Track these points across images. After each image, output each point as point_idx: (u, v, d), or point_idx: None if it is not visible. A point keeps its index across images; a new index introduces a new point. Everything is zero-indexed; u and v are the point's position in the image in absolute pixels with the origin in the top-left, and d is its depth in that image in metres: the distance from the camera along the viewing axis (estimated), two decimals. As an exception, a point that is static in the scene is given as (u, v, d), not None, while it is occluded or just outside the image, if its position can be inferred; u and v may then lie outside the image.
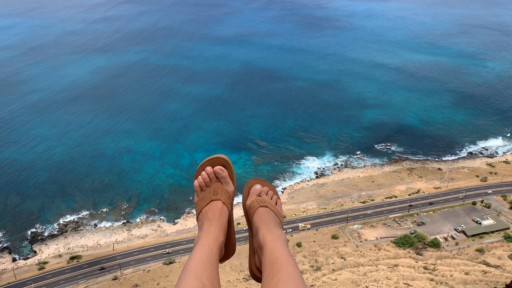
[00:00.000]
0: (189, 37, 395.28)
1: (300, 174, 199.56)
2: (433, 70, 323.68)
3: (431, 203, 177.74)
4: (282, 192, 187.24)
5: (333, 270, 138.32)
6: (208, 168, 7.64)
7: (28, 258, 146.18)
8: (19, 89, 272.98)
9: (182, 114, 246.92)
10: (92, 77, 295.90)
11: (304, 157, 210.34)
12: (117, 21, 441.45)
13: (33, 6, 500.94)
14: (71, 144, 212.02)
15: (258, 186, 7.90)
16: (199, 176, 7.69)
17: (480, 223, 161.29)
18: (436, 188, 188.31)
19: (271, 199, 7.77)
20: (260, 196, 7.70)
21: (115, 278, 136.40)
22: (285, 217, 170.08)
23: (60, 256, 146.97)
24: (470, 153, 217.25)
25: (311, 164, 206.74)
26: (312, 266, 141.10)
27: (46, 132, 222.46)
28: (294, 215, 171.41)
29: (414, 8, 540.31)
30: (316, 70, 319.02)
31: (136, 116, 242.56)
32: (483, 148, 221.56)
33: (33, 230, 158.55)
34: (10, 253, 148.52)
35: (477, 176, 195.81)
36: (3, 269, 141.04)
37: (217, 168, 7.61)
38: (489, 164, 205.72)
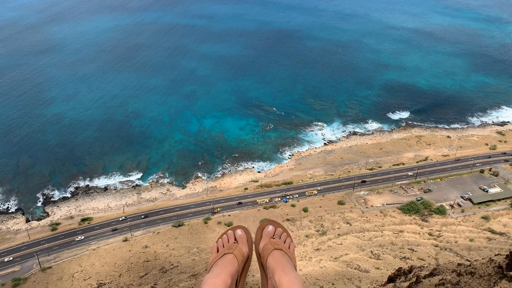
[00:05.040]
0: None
1: (308, 141, 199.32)
2: (450, 33, 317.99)
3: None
4: (290, 158, 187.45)
5: (338, 234, 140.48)
6: (229, 232, 7.83)
7: (41, 219, 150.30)
8: (34, 50, 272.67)
9: (191, 79, 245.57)
10: (108, 36, 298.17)
11: (313, 124, 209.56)
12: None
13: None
14: (80, 108, 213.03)
15: (270, 228, 7.85)
16: (220, 239, 7.83)
17: (487, 191, 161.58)
18: (445, 155, 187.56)
19: (284, 242, 7.70)
20: (273, 238, 7.66)
21: (125, 240, 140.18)
22: (291, 183, 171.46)
23: (71, 217, 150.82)
24: (480, 121, 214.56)
25: (319, 131, 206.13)
26: (318, 231, 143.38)
27: (56, 95, 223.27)
28: (301, 181, 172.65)
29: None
30: (332, 31, 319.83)
31: (144, 80, 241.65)
32: (493, 115, 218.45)
33: (45, 192, 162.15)
34: (23, 214, 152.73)
35: (486, 144, 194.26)
36: (17, 229, 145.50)
37: (238, 229, 7.80)
38: (499, 132, 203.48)
